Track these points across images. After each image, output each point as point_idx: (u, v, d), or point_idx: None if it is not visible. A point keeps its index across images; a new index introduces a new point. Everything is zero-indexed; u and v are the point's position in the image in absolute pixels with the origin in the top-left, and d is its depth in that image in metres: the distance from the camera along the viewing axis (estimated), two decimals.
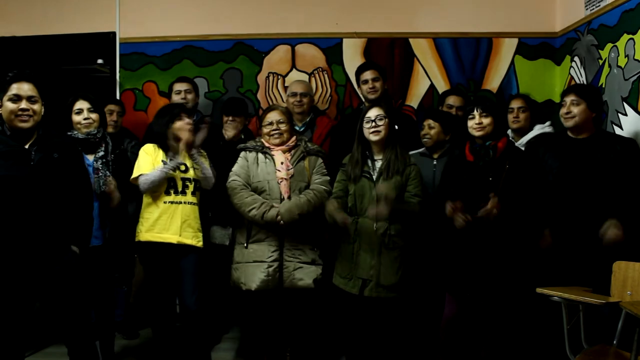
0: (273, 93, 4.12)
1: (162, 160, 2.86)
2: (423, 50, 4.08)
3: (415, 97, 4.10)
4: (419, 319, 3.07)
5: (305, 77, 4.08)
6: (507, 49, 4.04)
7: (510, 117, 3.32)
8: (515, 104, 3.33)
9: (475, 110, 2.69)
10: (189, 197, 2.88)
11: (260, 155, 2.96)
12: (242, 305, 3.09)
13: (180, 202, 2.86)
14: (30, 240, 2.33)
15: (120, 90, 4.20)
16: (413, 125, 3.57)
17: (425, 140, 3.14)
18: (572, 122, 2.69)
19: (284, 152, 2.95)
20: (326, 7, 4.11)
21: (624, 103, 3.13)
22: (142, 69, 4.17)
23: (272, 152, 2.94)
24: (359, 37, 4.09)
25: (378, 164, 2.85)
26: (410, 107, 4.09)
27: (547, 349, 2.73)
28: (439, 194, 2.84)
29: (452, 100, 3.58)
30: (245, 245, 2.90)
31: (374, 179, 2.83)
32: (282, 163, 2.91)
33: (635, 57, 3.03)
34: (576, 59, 3.71)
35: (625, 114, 3.12)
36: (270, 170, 2.91)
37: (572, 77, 3.77)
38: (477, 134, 2.69)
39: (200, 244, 2.91)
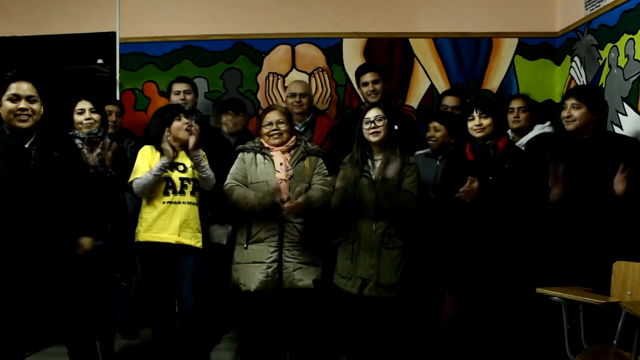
0: (273, 93, 4.12)
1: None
2: (423, 50, 4.08)
3: (415, 97, 4.09)
4: (419, 319, 3.07)
5: (305, 77, 4.08)
6: (507, 49, 4.04)
7: (511, 117, 3.32)
8: (516, 104, 3.34)
9: (474, 112, 2.69)
10: (188, 197, 2.88)
11: (259, 156, 2.95)
12: (241, 305, 3.09)
13: (179, 202, 2.86)
14: (31, 239, 2.33)
15: (120, 90, 4.20)
16: (413, 125, 3.58)
17: (430, 142, 3.14)
18: (573, 125, 2.68)
19: (283, 152, 2.95)
20: (326, 7, 4.11)
21: (624, 103, 3.13)
22: (142, 69, 4.17)
23: (271, 153, 2.94)
24: (359, 37, 4.09)
25: (378, 164, 2.85)
26: (410, 107, 4.09)
27: (547, 349, 2.73)
28: (439, 193, 2.85)
29: (448, 100, 3.59)
30: (245, 245, 2.90)
31: (374, 180, 2.82)
32: (281, 164, 2.91)
33: (635, 57, 3.03)
34: (576, 59, 3.71)
35: (625, 114, 3.12)
36: (270, 171, 2.91)
37: (572, 77, 3.77)
38: (477, 135, 2.69)
39: (199, 244, 2.91)
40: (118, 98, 4.14)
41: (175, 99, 3.52)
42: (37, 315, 2.53)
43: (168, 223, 2.84)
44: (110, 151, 2.79)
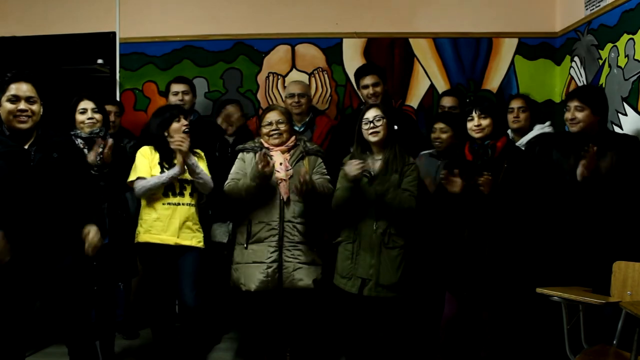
0: (273, 93, 4.12)
1: (159, 163, 2.86)
2: (423, 50, 4.08)
3: (415, 97, 4.10)
4: (419, 319, 3.07)
5: (305, 77, 4.08)
6: (507, 49, 4.04)
7: (510, 117, 3.32)
8: (515, 104, 3.34)
9: (474, 112, 2.69)
10: (187, 199, 2.89)
11: (254, 164, 2.94)
12: (242, 305, 3.09)
13: (179, 204, 2.87)
14: (31, 240, 2.33)
15: (120, 90, 4.20)
16: (413, 124, 3.58)
17: (436, 144, 3.13)
18: (577, 127, 2.67)
19: (283, 152, 2.95)
20: (326, 7, 4.11)
21: (624, 103, 3.13)
22: (142, 69, 4.17)
23: (271, 153, 2.94)
24: (359, 37, 4.09)
25: (378, 164, 2.85)
26: (410, 107, 4.09)
27: (547, 349, 2.73)
28: (438, 193, 2.85)
29: (445, 101, 3.59)
30: (245, 245, 2.90)
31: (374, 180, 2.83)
32: (280, 164, 2.91)
33: (635, 57, 3.03)
34: (576, 59, 3.71)
35: (625, 114, 3.12)
36: None
37: (572, 77, 3.77)
38: (476, 135, 2.69)
39: (200, 244, 2.92)
40: (118, 98, 4.14)
41: (173, 99, 3.52)
42: (37, 315, 2.52)
43: (168, 224, 2.84)
44: (107, 149, 2.78)
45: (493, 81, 4.05)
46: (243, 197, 2.86)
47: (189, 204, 2.89)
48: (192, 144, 2.97)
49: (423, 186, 2.92)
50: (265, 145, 2.97)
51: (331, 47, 4.11)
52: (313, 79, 4.11)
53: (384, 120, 2.83)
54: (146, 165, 2.86)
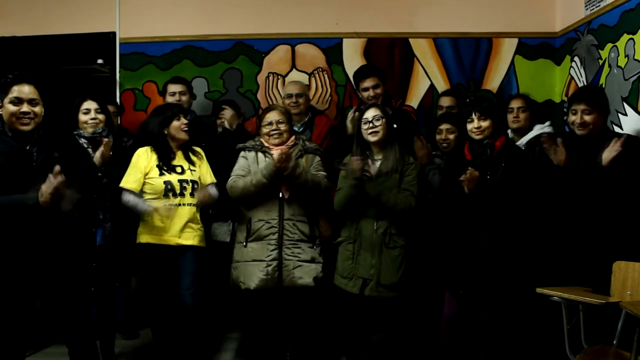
0: (273, 93, 4.12)
1: (157, 166, 2.84)
2: (423, 50, 4.08)
3: (415, 97, 4.09)
4: (419, 318, 3.07)
5: (305, 77, 4.08)
6: (507, 49, 4.04)
7: (510, 117, 3.32)
8: (515, 104, 3.34)
9: (473, 114, 2.69)
10: (188, 199, 2.87)
11: (260, 155, 2.96)
12: (242, 305, 3.09)
13: (179, 204, 2.85)
14: (32, 239, 2.33)
15: (120, 90, 4.19)
16: (412, 123, 3.57)
17: (444, 145, 3.11)
18: (587, 131, 2.66)
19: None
20: (326, 7, 4.11)
21: (624, 103, 3.13)
22: (142, 69, 4.17)
23: (272, 151, 2.94)
24: (359, 37, 4.09)
25: (378, 164, 2.85)
26: (410, 107, 4.09)
27: (547, 349, 2.73)
28: (438, 192, 2.85)
29: (443, 101, 3.59)
30: (244, 244, 2.90)
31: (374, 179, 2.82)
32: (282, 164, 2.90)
33: (635, 57, 3.03)
34: (576, 59, 3.71)
35: (625, 114, 3.12)
36: None
37: (572, 77, 3.77)
38: (477, 137, 2.70)
39: (202, 243, 2.92)
40: (118, 98, 4.14)
41: (170, 100, 3.51)
42: (37, 315, 2.53)
43: (169, 225, 2.83)
44: (106, 147, 2.79)
45: (493, 81, 4.05)
46: (251, 192, 2.85)
47: (190, 204, 2.88)
48: (192, 143, 2.98)
49: (423, 186, 2.91)
50: (266, 144, 2.98)
51: (331, 47, 4.11)
52: (313, 79, 4.11)
53: (383, 120, 2.83)
54: (138, 173, 2.83)
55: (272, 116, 2.98)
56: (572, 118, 2.70)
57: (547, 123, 3.30)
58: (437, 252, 2.87)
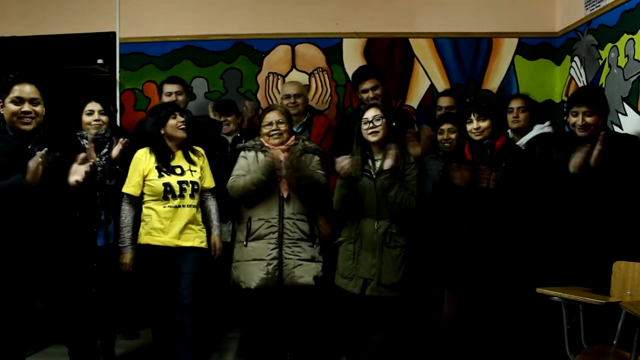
0: (273, 93, 4.12)
1: (157, 167, 2.83)
2: (423, 50, 4.08)
3: (415, 97, 4.09)
4: (419, 318, 3.07)
5: (305, 77, 4.08)
6: (507, 49, 4.04)
7: (510, 117, 3.32)
8: (515, 104, 3.34)
9: (472, 115, 2.69)
10: (188, 200, 2.85)
11: (260, 154, 2.96)
12: (242, 305, 3.09)
13: (179, 206, 2.84)
14: (34, 239, 2.33)
15: (120, 90, 4.19)
16: (412, 122, 3.57)
17: (446, 145, 3.10)
18: (588, 132, 2.66)
19: (283, 151, 2.95)
20: (326, 7, 4.11)
21: (624, 103, 3.13)
22: (142, 69, 4.17)
23: (272, 151, 2.94)
24: (359, 37, 4.09)
25: (378, 164, 2.85)
26: (410, 107, 4.09)
27: (547, 349, 2.73)
28: (437, 194, 2.85)
29: (442, 101, 3.59)
30: (244, 243, 2.90)
31: (375, 179, 2.83)
32: (280, 162, 2.91)
33: (635, 57, 3.03)
34: (576, 59, 3.71)
35: (625, 114, 3.12)
36: None
37: (572, 77, 3.77)
38: (476, 138, 2.70)
39: (203, 244, 2.89)
40: (118, 98, 4.14)
41: (166, 100, 3.49)
42: (38, 315, 2.53)
43: (169, 227, 2.81)
44: (123, 145, 2.84)
45: (493, 81, 4.05)
46: (252, 190, 2.85)
47: (190, 205, 2.87)
48: (191, 143, 2.97)
49: (422, 186, 2.92)
50: (266, 144, 2.98)
51: (331, 47, 4.11)
52: (313, 79, 4.11)
53: (384, 120, 2.83)
54: (137, 176, 2.83)
55: (272, 116, 2.98)
56: (573, 120, 2.70)
57: (547, 123, 3.30)
58: (437, 252, 2.87)
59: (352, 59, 4.07)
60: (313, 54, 4.12)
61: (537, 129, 3.26)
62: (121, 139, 2.90)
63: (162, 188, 2.81)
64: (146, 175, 2.84)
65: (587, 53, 3.55)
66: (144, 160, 2.86)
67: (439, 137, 3.14)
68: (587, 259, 2.55)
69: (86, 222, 2.85)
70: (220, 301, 3.48)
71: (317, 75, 4.12)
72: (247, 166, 2.95)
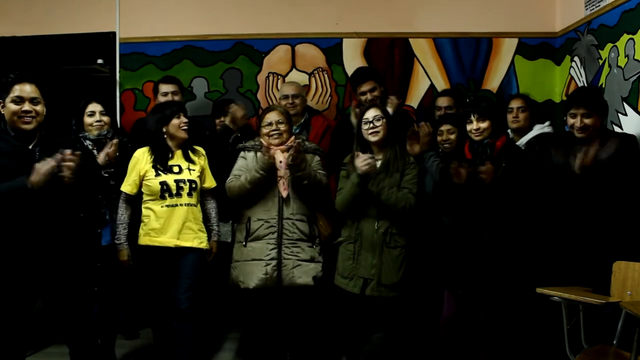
0: (273, 93, 4.12)
1: (153, 166, 2.83)
2: (423, 50, 4.08)
3: (415, 97, 4.10)
4: (419, 318, 3.07)
5: (305, 77, 4.08)
6: (507, 49, 4.04)
7: (510, 117, 3.32)
8: (515, 104, 3.33)
9: (472, 116, 2.69)
10: (185, 199, 2.83)
11: (260, 155, 2.96)
12: (242, 305, 3.09)
13: (177, 205, 2.82)
14: (35, 239, 2.33)
15: (120, 90, 4.20)
16: (411, 122, 3.57)
17: (445, 145, 3.10)
18: (587, 133, 2.66)
19: (283, 151, 2.95)
20: (326, 7, 4.11)
21: (624, 103, 3.13)
22: (142, 69, 4.17)
23: (264, 147, 2.94)
24: (359, 37, 4.09)
25: (378, 164, 2.85)
26: (410, 107, 4.09)
27: (547, 349, 2.73)
28: (437, 192, 2.85)
29: (441, 101, 3.59)
30: (244, 243, 2.90)
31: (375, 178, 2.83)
32: (280, 162, 2.91)
33: (635, 57, 3.03)
34: (576, 59, 3.71)
35: (625, 114, 3.12)
36: None
37: (572, 77, 3.77)
38: (476, 138, 2.70)
39: (202, 245, 2.87)
40: (118, 98, 4.14)
41: (162, 99, 3.46)
42: (37, 315, 2.53)
43: (167, 226, 2.80)
44: (112, 148, 2.84)
45: (493, 81, 4.05)
46: (248, 189, 2.85)
47: (188, 204, 2.85)
48: (192, 142, 2.97)
49: (422, 185, 2.92)
50: (265, 144, 2.98)
51: (331, 47, 4.11)
52: (313, 79, 4.11)
53: (384, 120, 2.84)
54: (135, 176, 2.83)
55: (272, 116, 2.98)
56: (571, 121, 2.70)
57: (547, 123, 3.30)
58: (436, 252, 2.87)
59: (352, 59, 4.07)
60: (313, 54, 4.12)
61: (537, 129, 3.26)
62: (114, 140, 2.90)
63: (158, 187, 2.80)
64: (143, 175, 2.84)
65: (587, 53, 3.56)
66: (142, 160, 2.86)
67: (439, 138, 3.14)
68: (587, 259, 2.55)
69: (90, 222, 2.85)
70: (220, 301, 3.48)
71: (317, 75, 4.12)
72: (246, 166, 2.95)
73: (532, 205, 2.67)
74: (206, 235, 2.92)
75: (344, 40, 4.10)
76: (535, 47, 4.02)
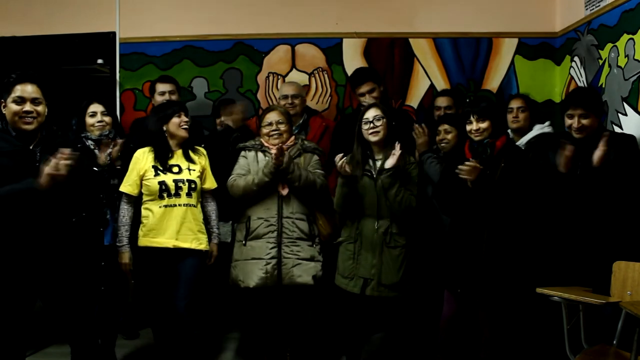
0: (273, 93, 4.12)
1: (153, 166, 2.83)
2: (423, 50, 4.08)
3: (415, 97, 4.10)
4: (419, 318, 3.07)
5: (305, 77, 4.08)
6: (507, 49, 4.04)
7: (510, 117, 3.32)
8: (515, 104, 3.33)
9: (472, 117, 2.69)
10: (184, 199, 2.81)
11: (260, 154, 2.97)
12: (242, 304, 3.09)
13: (175, 205, 2.80)
14: (35, 239, 2.33)
15: (120, 90, 4.19)
16: (411, 122, 3.58)
17: (442, 145, 3.11)
18: (584, 134, 2.67)
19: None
20: (326, 7, 4.11)
21: (624, 103, 3.13)
22: (142, 69, 4.17)
23: (272, 151, 2.94)
24: (359, 37, 4.09)
25: (379, 164, 2.86)
26: (410, 107, 4.09)
27: (547, 349, 2.73)
28: (437, 191, 2.85)
29: (440, 101, 3.59)
30: (243, 242, 2.90)
31: (375, 178, 2.83)
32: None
33: (635, 57, 3.03)
34: (576, 59, 3.71)
35: (625, 114, 3.12)
36: None
37: (572, 77, 3.77)
38: (476, 139, 2.70)
39: (202, 246, 2.85)
40: (118, 98, 4.14)
41: (159, 99, 3.48)
42: (37, 315, 2.53)
43: (165, 227, 2.78)
44: (117, 148, 2.86)
45: (493, 81, 4.05)
46: (254, 190, 2.86)
47: (187, 204, 2.83)
48: (192, 142, 2.97)
49: (422, 185, 2.92)
50: (265, 144, 2.98)
51: (331, 47, 4.11)
52: (313, 79, 4.11)
53: (384, 120, 2.84)
54: (135, 176, 2.83)
55: (272, 116, 2.98)
56: (568, 122, 2.70)
57: (547, 123, 3.30)
58: (436, 251, 2.87)
59: (352, 59, 4.07)
60: (313, 54, 4.12)
61: (537, 129, 3.25)
62: (119, 140, 2.91)
63: (157, 187, 2.79)
64: (143, 175, 2.83)
65: (587, 53, 3.56)
66: (142, 160, 2.86)
67: (437, 137, 3.15)
68: (587, 259, 2.55)
69: (92, 222, 2.85)
70: (220, 301, 3.48)
71: (317, 75, 4.12)
72: (247, 166, 2.96)
73: (531, 205, 2.67)
74: (206, 236, 2.90)
75: (344, 40, 4.10)
76: (535, 47, 4.02)
